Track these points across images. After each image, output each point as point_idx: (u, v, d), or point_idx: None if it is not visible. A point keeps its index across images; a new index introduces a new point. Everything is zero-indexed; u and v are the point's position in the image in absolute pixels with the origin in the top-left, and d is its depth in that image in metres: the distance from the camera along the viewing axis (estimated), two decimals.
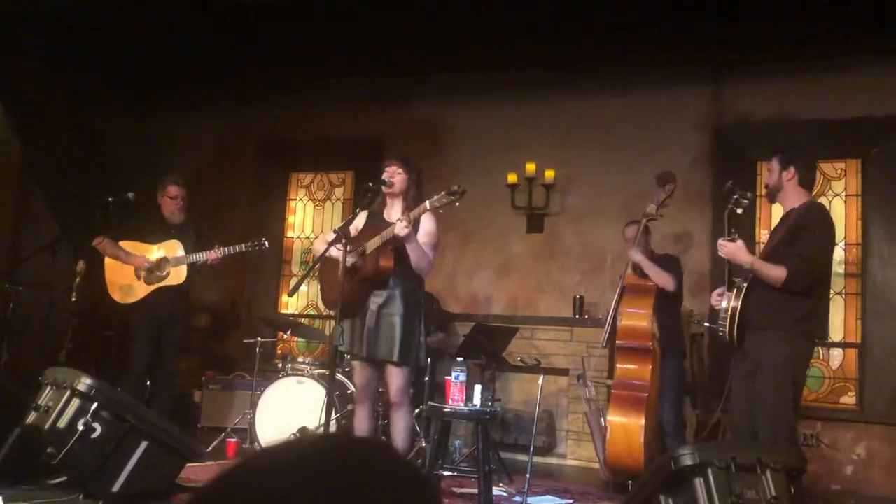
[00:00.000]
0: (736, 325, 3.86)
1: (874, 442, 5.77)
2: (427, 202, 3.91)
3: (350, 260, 4.08)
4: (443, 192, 3.87)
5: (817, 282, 3.91)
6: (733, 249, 3.90)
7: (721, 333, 3.97)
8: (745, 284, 3.92)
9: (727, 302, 3.92)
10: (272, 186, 8.10)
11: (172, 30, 6.54)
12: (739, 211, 4.02)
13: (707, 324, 4.30)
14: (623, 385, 4.85)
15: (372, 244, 4.06)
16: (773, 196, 4.15)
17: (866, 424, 5.83)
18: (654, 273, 5.05)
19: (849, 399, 6.13)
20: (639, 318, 4.87)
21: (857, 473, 5.76)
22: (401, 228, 3.90)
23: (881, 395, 5.90)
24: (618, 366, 4.92)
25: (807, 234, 3.86)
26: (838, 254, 6.27)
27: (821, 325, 4.08)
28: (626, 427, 4.73)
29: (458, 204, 3.90)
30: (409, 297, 4.12)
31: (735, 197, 3.99)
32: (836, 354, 6.22)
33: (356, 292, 4.12)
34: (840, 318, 6.21)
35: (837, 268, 6.27)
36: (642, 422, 4.70)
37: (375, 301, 4.09)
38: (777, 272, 3.83)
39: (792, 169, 4.03)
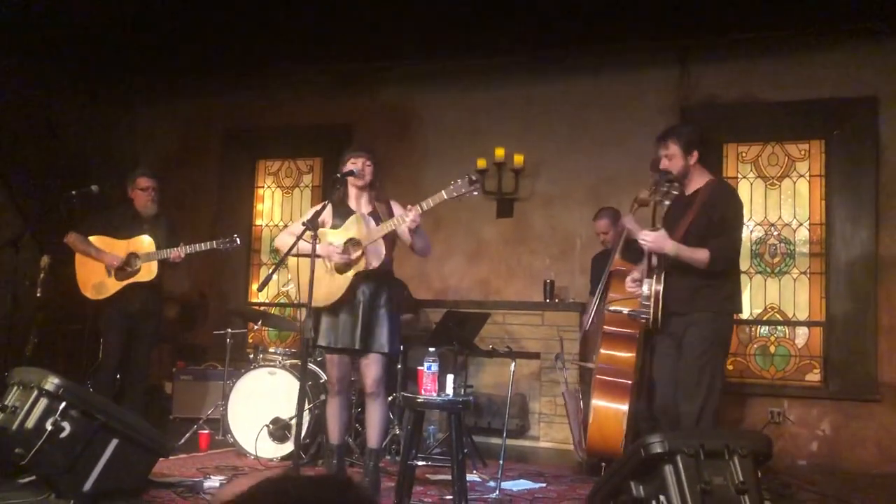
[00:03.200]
0: (660, 309, 3.91)
1: (838, 417, 5.91)
2: (443, 192, 3.87)
3: (344, 258, 4.04)
4: (460, 180, 3.81)
5: (736, 260, 4.03)
6: (658, 239, 3.92)
7: (643, 318, 4.02)
8: (664, 269, 3.98)
9: (648, 287, 3.96)
10: (239, 174, 8.02)
11: (133, 16, 6.41)
12: (667, 203, 4.01)
13: (627, 310, 4.34)
14: (608, 371, 4.88)
15: (371, 237, 4.03)
16: (682, 182, 4.13)
17: (831, 401, 5.97)
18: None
19: (814, 376, 6.26)
20: (628, 304, 4.88)
21: (822, 449, 5.90)
22: (413, 220, 3.88)
23: (845, 372, 6.03)
24: (603, 351, 4.94)
25: (720, 215, 3.92)
26: (803, 234, 6.39)
27: (739, 301, 4.21)
28: (610, 413, 4.77)
29: (476, 193, 3.85)
30: (393, 289, 4.20)
31: (664, 189, 3.99)
32: (802, 333, 6.33)
33: (347, 286, 4.08)
34: (805, 298, 6.33)
35: (802, 247, 6.38)
36: (626, 408, 4.75)
37: (363, 295, 4.08)
38: (700, 255, 3.90)
39: (695, 152, 4.08)
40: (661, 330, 4.01)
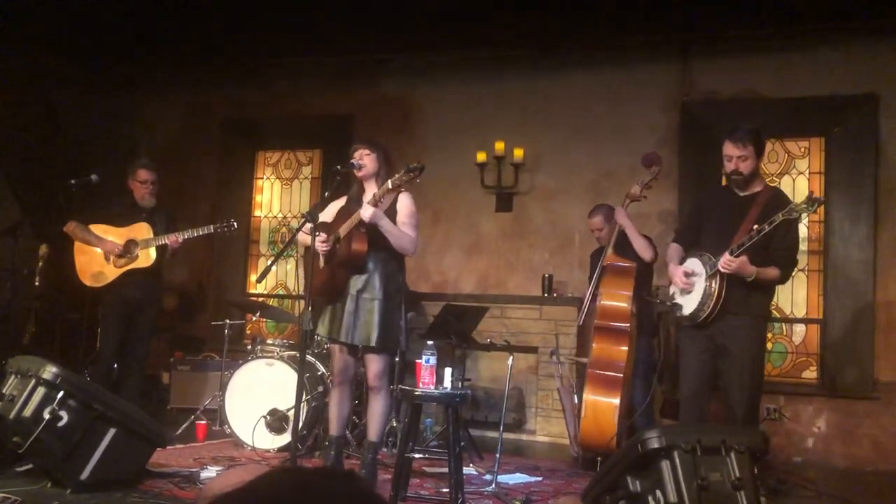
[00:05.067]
0: (718, 307, 3.93)
1: (834, 415, 5.92)
2: (389, 182, 3.93)
3: (326, 247, 4.08)
4: (402, 170, 3.87)
5: None
6: (743, 265, 3.87)
7: (689, 313, 4.03)
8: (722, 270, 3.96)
9: (709, 284, 3.95)
10: (238, 165, 8.01)
11: (133, 5, 6.39)
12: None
13: (669, 303, 4.31)
14: (599, 364, 4.89)
15: (343, 229, 4.06)
16: (746, 183, 4.07)
17: (827, 398, 5.98)
18: (636, 238, 5.07)
19: (810, 373, 6.28)
20: (619, 298, 4.90)
21: (817, 446, 5.91)
22: (365, 212, 3.90)
23: (841, 370, 6.05)
24: (595, 345, 4.95)
25: (786, 225, 3.85)
26: (802, 231, 6.39)
27: None
28: (602, 406, 4.78)
29: (418, 180, 3.91)
30: (388, 281, 4.12)
31: (800, 212, 3.78)
32: (799, 330, 6.35)
33: (334, 277, 4.11)
34: (803, 295, 6.34)
35: (801, 245, 6.38)
36: (617, 402, 4.76)
37: (355, 286, 4.09)
38: (773, 274, 3.94)
39: (762, 155, 4.10)
40: (701, 325, 4.03)
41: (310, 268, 3.85)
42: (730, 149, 4.03)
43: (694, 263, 4.12)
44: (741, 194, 4.10)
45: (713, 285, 3.95)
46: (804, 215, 3.93)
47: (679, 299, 4.18)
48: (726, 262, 3.86)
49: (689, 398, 4.16)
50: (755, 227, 3.85)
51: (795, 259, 4.15)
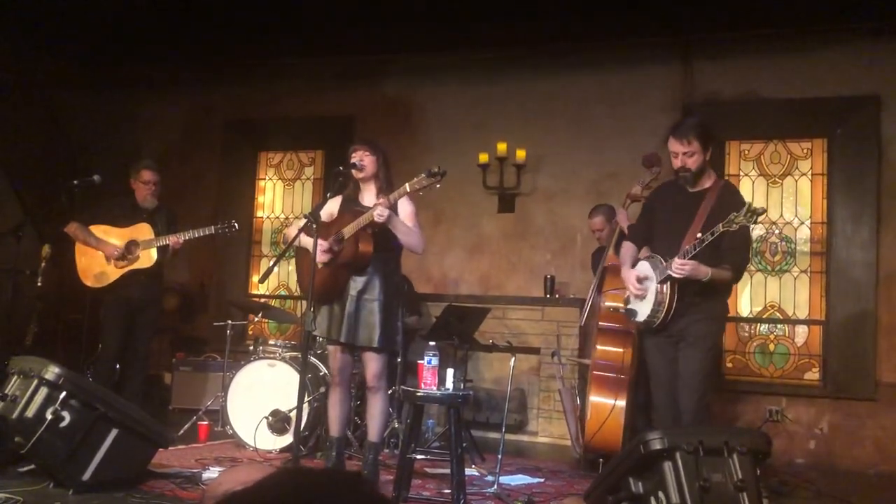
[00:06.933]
0: (672, 312, 3.84)
1: (836, 416, 5.92)
2: (406, 185, 3.86)
3: (327, 246, 4.06)
4: (422, 174, 3.81)
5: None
6: (695, 269, 3.72)
7: (643, 319, 3.94)
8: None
9: (660, 289, 3.84)
10: (240, 166, 8.01)
11: (135, 5, 6.40)
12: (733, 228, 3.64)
13: (623, 309, 4.24)
14: (603, 366, 4.88)
15: (349, 229, 4.02)
16: (695, 179, 3.91)
17: (829, 400, 5.97)
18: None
19: (813, 375, 6.26)
20: (622, 299, 4.87)
21: (819, 447, 5.91)
22: (379, 214, 3.86)
23: (844, 371, 6.04)
24: (598, 347, 4.94)
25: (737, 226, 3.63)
26: (804, 232, 6.39)
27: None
28: (606, 408, 4.77)
29: (438, 185, 3.85)
30: (388, 282, 4.12)
31: (738, 224, 3.58)
32: (801, 331, 6.34)
33: (335, 277, 4.09)
34: (805, 296, 6.33)
35: (803, 246, 6.38)
36: (620, 403, 4.75)
37: (355, 286, 4.07)
38: (726, 275, 3.81)
39: (710, 149, 3.91)
40: (660, 329, 3.93)
41: (312, 267, 3.84)
42: (674, 145, 3.89)
43: (645, 267, 3.99)
44: (691, 191, 3.95)
45: (664, 290, 3.82)
46: (750, 226, 3.69)
47: (633, 304, 4.04)
48: (678, 266, 3.72)
49: (657, 407, 4.08)
50: (699, 235, 3.72)
51: (744, 263, 3.99)
